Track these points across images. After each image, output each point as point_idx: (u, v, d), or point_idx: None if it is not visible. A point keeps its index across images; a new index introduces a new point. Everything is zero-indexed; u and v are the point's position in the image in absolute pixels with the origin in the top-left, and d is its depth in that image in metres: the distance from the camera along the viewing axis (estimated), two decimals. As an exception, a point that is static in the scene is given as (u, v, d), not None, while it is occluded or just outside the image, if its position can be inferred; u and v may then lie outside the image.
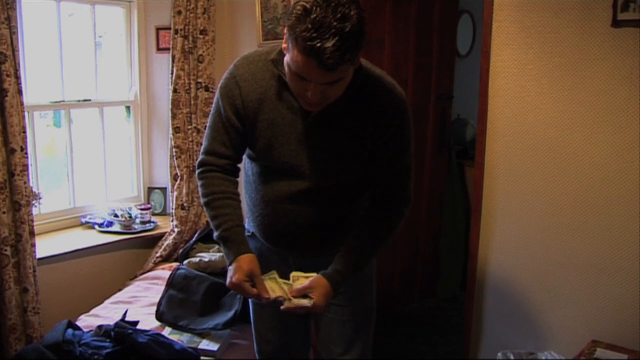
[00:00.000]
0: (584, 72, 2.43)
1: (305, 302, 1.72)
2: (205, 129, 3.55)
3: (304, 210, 1.80)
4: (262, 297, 1.71)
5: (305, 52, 1.46)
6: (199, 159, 1.90)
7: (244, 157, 1.93)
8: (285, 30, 1.55)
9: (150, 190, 3.95)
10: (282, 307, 1.71)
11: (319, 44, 1.43)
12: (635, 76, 2.30)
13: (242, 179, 1.99)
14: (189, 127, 3.61)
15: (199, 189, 1.88)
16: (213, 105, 1.87)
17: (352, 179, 1.83)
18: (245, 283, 1.70)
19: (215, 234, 1.82)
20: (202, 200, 1.87)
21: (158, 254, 3.54)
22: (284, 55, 1.63)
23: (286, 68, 1.61)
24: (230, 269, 1.75)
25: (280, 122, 1.75)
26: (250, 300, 2.12)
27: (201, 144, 3.53)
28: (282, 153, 1.77)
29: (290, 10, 1.51)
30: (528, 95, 2.60)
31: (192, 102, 3.59)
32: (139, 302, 3.02)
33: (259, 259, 1.92)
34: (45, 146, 3.58)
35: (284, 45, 1.61)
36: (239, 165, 1.93)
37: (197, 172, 1.90)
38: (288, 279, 1.78)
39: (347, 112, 1.72)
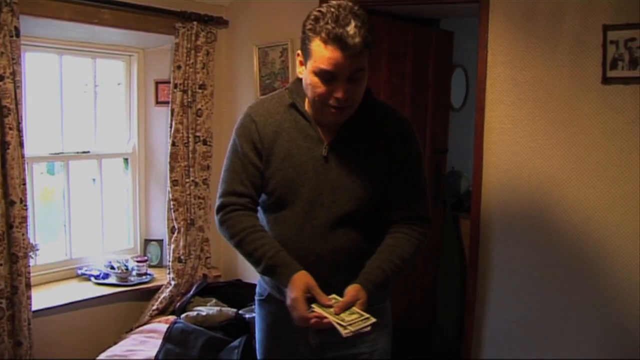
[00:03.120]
0: (576, 128, 2.49)
1: (364, 325, 1.65)
2: (203, 182, 3.64)
3: (320, 242, 1.80)
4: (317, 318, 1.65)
5: (329, 42, 1.62)
6: (217, 204, 1.88)
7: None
8: (298, 52, 1.74)
9: (146, 242, 3.94)
10: (344, 334, 1.62)
11: (341, 30, 1.61)
12: (626, 131, 2.36)
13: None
14: (187, 180, 3.63)
15: (224, 231, 1.85)
16: (228, 148, 1.90)
17: (368, 206, 1.83)
18: (302, 300, 1.66)
19: (260, 267, 1.78)
20: (232, 241, 1.83)
21: (154, 307, 3.50)
22: (299, 84, 1.77)
23: (307, 84, 1.72)
24: (288, 290, 1.71)
25: (296, 153, 1.81)
26: (257, 348, 2.07)
27: (199, 197, 3.63)
28: (299, 184, 1.80)
29: (304, 22, 1.69)
30: (522, 151, 2.65)
31: (191, 155, 3.63)
32: (135, 356, 2.97)
33: (273, 324, 1.92)
34: (38, 194, 3.57)
35: (299, 71, 1.75)
36: (257, 207, 1.91)
37: (218, 216, 1.87)
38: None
39: (360, 138, 1.81)
